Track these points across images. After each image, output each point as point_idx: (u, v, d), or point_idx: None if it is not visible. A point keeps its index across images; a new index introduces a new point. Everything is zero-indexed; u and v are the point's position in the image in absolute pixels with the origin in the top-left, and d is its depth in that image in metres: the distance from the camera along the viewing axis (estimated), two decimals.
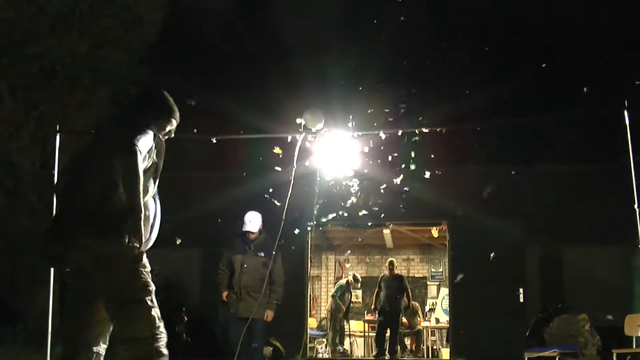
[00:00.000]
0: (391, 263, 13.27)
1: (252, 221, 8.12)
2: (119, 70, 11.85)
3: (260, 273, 7.80)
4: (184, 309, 11.31)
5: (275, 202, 8.81)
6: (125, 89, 12.31)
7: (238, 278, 7.96)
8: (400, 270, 16.62)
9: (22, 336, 10.03)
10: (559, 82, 13.13)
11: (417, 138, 8.42)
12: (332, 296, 14.08)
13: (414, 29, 12.64)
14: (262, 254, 7.95)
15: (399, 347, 13.01)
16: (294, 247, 11.09)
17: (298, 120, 7.71)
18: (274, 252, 7.83)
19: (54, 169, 7.63)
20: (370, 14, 12.92)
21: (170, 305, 11.41)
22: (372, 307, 13.52)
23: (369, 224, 12.91)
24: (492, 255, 10.73)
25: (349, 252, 16.31)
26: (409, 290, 13.50)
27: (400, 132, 7.93)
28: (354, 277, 14.36)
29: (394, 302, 12.75)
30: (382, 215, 11.63)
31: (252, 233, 8.09)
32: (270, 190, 9.89)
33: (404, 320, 13.71)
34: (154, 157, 4.20)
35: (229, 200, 11.89)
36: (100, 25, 11.11)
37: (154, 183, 4.32)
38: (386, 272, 13.33)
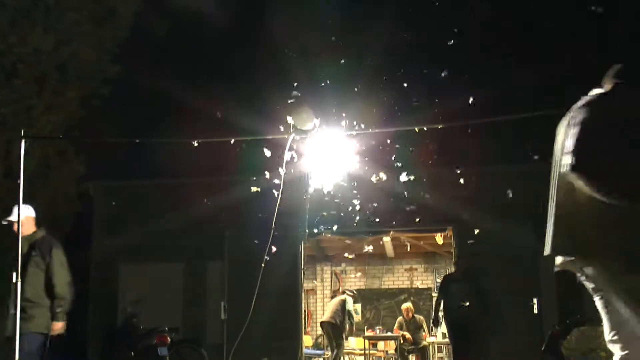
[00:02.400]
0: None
1: (14, 212, 6.95)
2: (90, 69, 11.77)
3: (39, 278, 6.88)
4: (166, 329, 11.18)
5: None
6: (96, 88, 12.24)
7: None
8: (402, 281, 16.59)
9: None
10: (571, 73, 13.09)
11: (418, 136, 8.34)
12: (349, 315, 13.79)
13: (411, 22, 12.62)
14: (36, 253, 6.88)
15: None
16: (286, 259, 11.00)
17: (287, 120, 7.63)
18: (262, 265, 7.71)
19: (19, 178, 7.47)
20: (364, 7, 12.92)
21: (151, 325, 11.33)
22: (432, 320, 11.55)
23: (368, 231, 12.80)
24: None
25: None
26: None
27: (398, 130, 7.85)
28: (351, 291, 14.26)
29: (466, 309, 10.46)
30: (381, 221, 11.54)
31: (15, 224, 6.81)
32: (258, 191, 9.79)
33: (408, 336, 13.62)
34: None
35: (216, 210, 11.83)
36: (68, 20, 11.01)
37: None
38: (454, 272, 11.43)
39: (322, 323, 13.65)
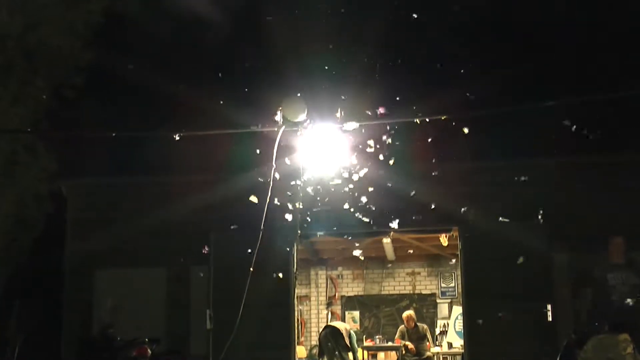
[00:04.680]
0: None
1: None
2: (61, 56, 11.71)
3: None
4: (146, 340, 11.15)
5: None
6: (69, 78, 12.18)
7: None
8: (404, 286, 16.55)
9: None
10: (586, 60, 13.08)
11: (419, 129, 8.30)
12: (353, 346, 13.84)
13: (408, 12, 12.65)
14: None
15: None
16: (276, 262, 10.96)
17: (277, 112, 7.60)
18: (251, 269, 7.70)
19: None
20: None
21: (130, 336, 11.28)
22: None
23: (366, 232, 12.75)
24: (520, 260, 10.57)
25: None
26: None
27: (398, 122, 7.81)
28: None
29: None
30: (381, 221, 11.50)
31: None
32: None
33: (410, 346, 13.60)
34: None
35: (200, 210, 11.78)
36: (35, 2, 10.94)
37: None
38: None
39: (326, 326, 13.67)
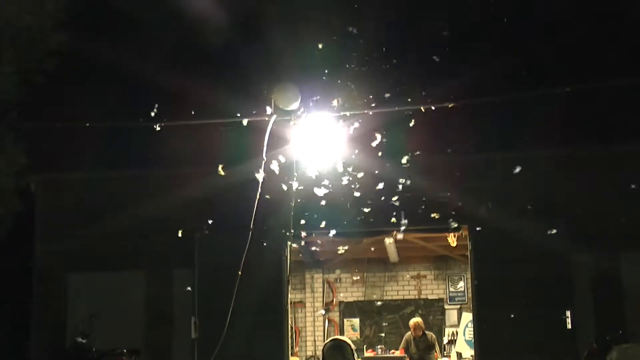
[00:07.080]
0: None
1: None
2: (29, 39, 11.64)
3: None
4: (125, 351, 11.14)
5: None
6: (38, 62, 12.10)
7: None
8: (409, 291, 16.57)
9: None
10: (606, 41, 13.08)
11: (425, 117, 8.28)
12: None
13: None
14: None
15: None
16: (268, 265, 10.94)
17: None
18: (239, 273, 7.67)
19: None
20: None
21: (106, 346, 11.27)
22: None
23: (366, 231, 12.73)
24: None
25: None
26: None
27: (400, 110, 7.78)
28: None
29: None
30: (383, 219, 11.48)
31: None
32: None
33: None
34: None
35: (184, 208, 11.76)
36: None
37: None
38: None
39: (333, 339, 13.61)
